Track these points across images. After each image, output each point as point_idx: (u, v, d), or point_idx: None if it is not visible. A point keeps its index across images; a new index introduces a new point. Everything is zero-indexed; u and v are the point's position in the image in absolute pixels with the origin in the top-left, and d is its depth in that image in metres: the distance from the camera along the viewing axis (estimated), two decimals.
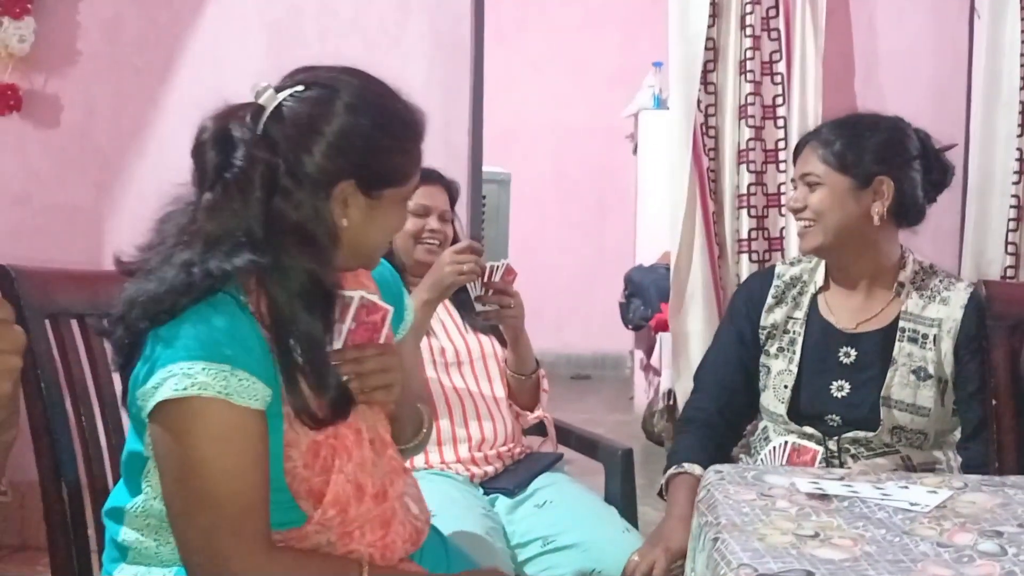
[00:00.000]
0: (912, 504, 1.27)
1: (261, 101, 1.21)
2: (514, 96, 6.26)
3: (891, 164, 1.82)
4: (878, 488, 1.35)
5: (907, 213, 1.85)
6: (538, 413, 2.19)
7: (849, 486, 1.34)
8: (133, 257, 1.24)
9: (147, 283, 1.17)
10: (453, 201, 2.26)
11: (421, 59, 2.94)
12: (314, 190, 1.20)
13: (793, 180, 1.94)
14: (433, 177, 2.20)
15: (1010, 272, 2.83)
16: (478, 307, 2.03)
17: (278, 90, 1.22)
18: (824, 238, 1.83)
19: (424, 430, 1.54)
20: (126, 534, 1.28)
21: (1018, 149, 2.81)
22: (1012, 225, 2.83)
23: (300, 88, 1.22)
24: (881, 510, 1.26)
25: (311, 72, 1.26)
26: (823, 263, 1.92)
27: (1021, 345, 1.86)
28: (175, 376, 1.13)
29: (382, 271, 1.46)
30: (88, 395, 1.47)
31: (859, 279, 1.88)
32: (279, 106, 1.21)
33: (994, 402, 1.80)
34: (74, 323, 1.48)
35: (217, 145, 1.19)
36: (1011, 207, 2.82)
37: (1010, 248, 2.83)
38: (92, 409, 1.47)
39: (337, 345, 1.25)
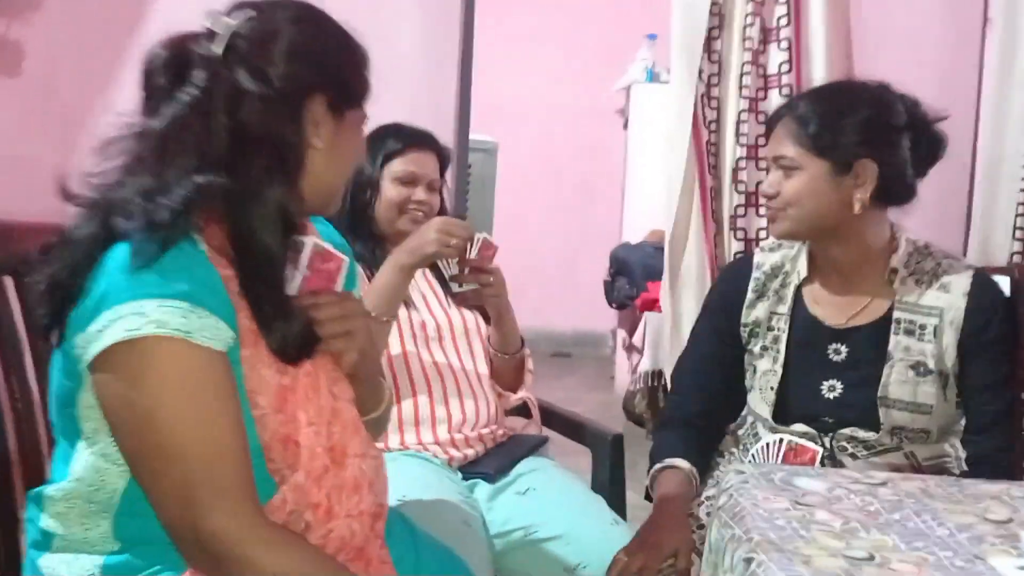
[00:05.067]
0: None
1: (217, 28, 1.17)
2: (503, 70, 6.07)
3: (874, 144, 1.63)
4: None
5: (894, 193, 1.68)
6: (521, 394, 2.07)
7: None
8: (82, 186, 1.17)
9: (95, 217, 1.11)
10: (443, 169, 2.11)
11: (409, 21, 2.79)
12: (284, 105, 1.17)
13: (765, 160, 1.74)
14: (425, 142, 2.06)
15: (1017, 259, 2.71)
16: (454, 287, 1.89)
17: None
18: (797, 225, 1.67)
19: (385, 403, 1.41)
20: (47, 520, 1.14)
21: None
22: (1021, 210, 2.70)
23: (252, 12, 1.21)
24: (941, 526, 1.09)
25: (253, 3, 1.23)
26: (805, 249, 1.75)
27: None
28: (124, 317, 1.04)
29: (331, 235, 1.37)
30: (22, 359, 1.32)
31: (844, 266, 1.71)
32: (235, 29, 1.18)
33: None
34: (9, 280, 1.34)
35: (175, 68, 1.16)
36: (1021, 191, 2.70)
37: (1018, 234, 2.70)
38: (25, 373, 1.32)
39: (291, 292, 1.18)
